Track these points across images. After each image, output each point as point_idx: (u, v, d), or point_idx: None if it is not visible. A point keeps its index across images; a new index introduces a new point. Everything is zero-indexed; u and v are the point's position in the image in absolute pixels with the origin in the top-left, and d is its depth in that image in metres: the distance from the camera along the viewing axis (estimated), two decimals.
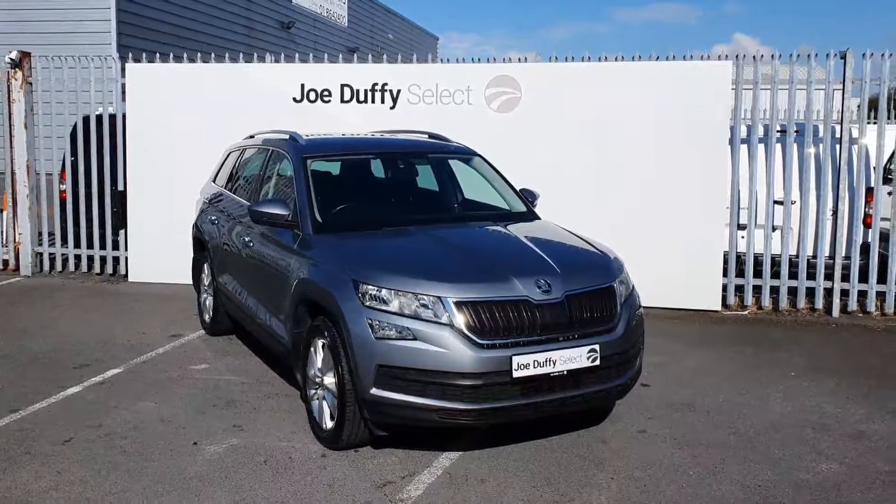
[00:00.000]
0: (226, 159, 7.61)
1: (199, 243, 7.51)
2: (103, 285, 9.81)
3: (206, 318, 7.47)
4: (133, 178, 9.73)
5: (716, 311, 8.50)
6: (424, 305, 4.44)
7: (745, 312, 8.57)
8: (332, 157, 6.14)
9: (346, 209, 5.67)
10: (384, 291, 4.52)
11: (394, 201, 6.03)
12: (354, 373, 4.51)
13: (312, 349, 5.02)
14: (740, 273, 8.68)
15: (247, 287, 6.26)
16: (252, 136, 7.32)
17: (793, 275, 8.56)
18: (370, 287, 4.56)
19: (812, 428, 5.26)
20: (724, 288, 8.60)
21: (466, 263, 4.81)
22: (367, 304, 4.53)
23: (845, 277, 8.44)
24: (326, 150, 6.18)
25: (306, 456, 4.80)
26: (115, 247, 10.09)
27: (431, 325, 4.39)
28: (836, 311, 8.41)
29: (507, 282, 4.54)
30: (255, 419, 5.41)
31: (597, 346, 4.57)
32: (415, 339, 4.38)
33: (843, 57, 8.28)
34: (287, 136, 6.26)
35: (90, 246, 10.19)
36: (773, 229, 8.63)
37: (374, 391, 4.46)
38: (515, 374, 4.36)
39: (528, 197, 6.20)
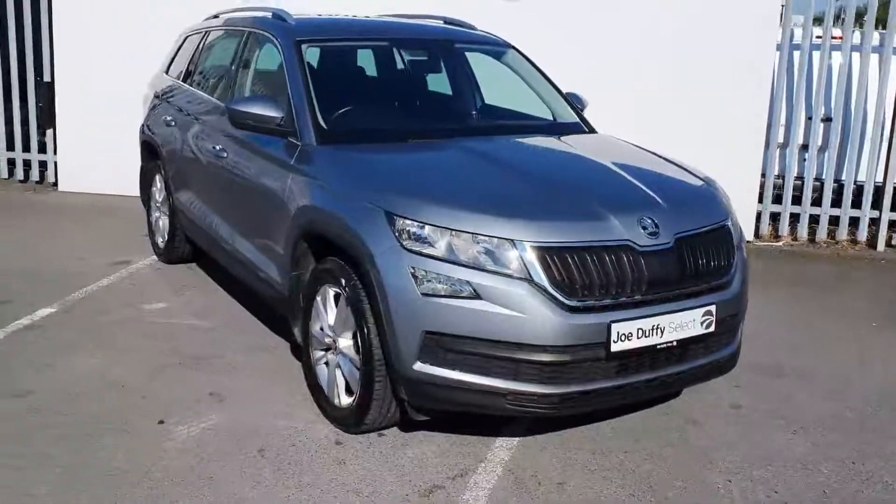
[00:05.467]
0: (181, 45, 6.09)
1: (151, 150, 6.06)
2: (28, 195, 8.24)
3: (160, 241, 6.09)
4: (62, 67, 8.07)
5: (748, 242, 7.45)
6: (490, 251, 3.20)
7: (780, 243, 7.55)
8: (334, 43, 4.69)
9: (358, 113, 4.31)
10: (431, 230, 3.25)
11: (418, 104, 4.67)
12: (390, 340, 3.28)
13: (319, 299, 3.76)
14: (776, 200, 7.63)
15: (218, 209, 4.90)
16: (216, 17, 5.82)
17: (833, 202, 7.54)
18: (411, 223, 3.28)
19: None
20: (758, 216, 7.56)
21: (541, 193, 3.54)
22: (408, 246, 3.27)
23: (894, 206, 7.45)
24: (326, 32, 4.74)
25: (316, 444, 3.60)
26: (42, 149, 8.48)
27: (501, 279, 3.16)
28: (881, 245, 7.44)
29: (601, 220, 3.31)
30: (237, 384, 4.17)
31: (713, 308, 3.42)
32: (477, 296, 3.15)
33: None
34: (270, 15, 4.82)
35: (10, 147, 8.56)
36: (820, 150, 7.57)
37: (417, 366, 3.25)
38: (614, 348, 3.19)
39: (576, 104, 4.92)
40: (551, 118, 4.80)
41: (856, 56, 7.48)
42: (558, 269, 3.16)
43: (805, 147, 7.74)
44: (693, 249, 3.41)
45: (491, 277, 3.16)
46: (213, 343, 4.68)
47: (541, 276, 3.14)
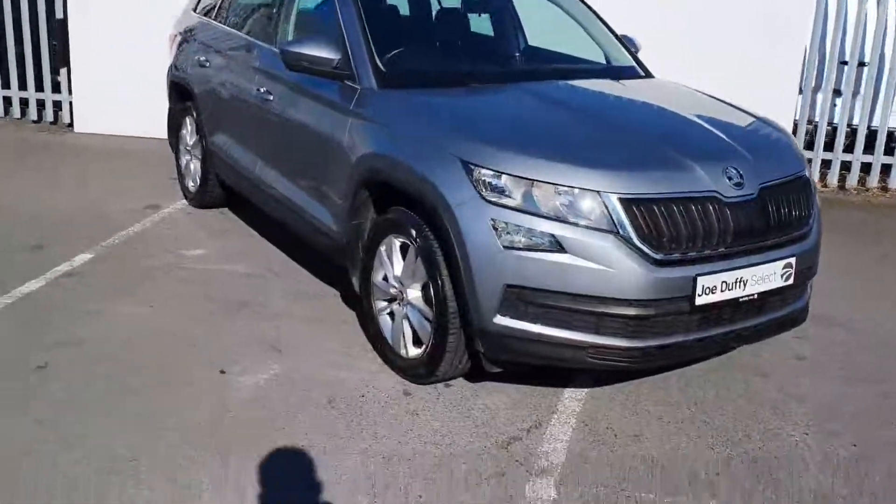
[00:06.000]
0: None
1: (181, 92, 5.88)
2: (44, 136, 8.04)
3: (191, 185, 5.96)
4: (75, 2, 7.80)
5: None
6: (574, 202, 3.11)
7: None
8: None
9: (415, 55, 4.17)
10: (511, 180, 3.15)
11: (474, 46, 4.52)
12: (468, 293, 3.21)
13: (383, 249, 3.68)
14: (807, 146, 7.54)
15: (262, 154, 4.76)
16: None
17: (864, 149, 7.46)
18: (490, 172, 3.19)
19: None
20: None
21: (622, 141, 3.45)
22: (488, 197, 3.17)
23: None
24: None
25: (385, 395, 3.55)
26: (56, 89, 8.25)
27: (586, 232, 3.08)
28: None
29: (686, 170, 3.22)
30: (289, 333, 4.10)
31: (793, 260, 3.36)
32: (561, 249, 3.08)
33: None
34: None
35: (22, 87, 8.31)
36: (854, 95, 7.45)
37: (497, 319, 3.18)
38: (698, 301, 3.14)
39: (630, 46, 4.78)
40: (605, 61, 4.66)
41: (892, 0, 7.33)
42: (645, 222, 3.08)
43: (838, 92, 7.62)
44: (776, 200, 3.34)
45: (575, 230, 3.08)
46: (258, 290, 4.60)
47: (627, 229, 3.06)
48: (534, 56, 4.78)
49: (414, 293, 3.54)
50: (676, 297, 3.11)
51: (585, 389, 3.64)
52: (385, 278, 3.72)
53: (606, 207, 3.07)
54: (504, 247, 3.11)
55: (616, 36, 4.73)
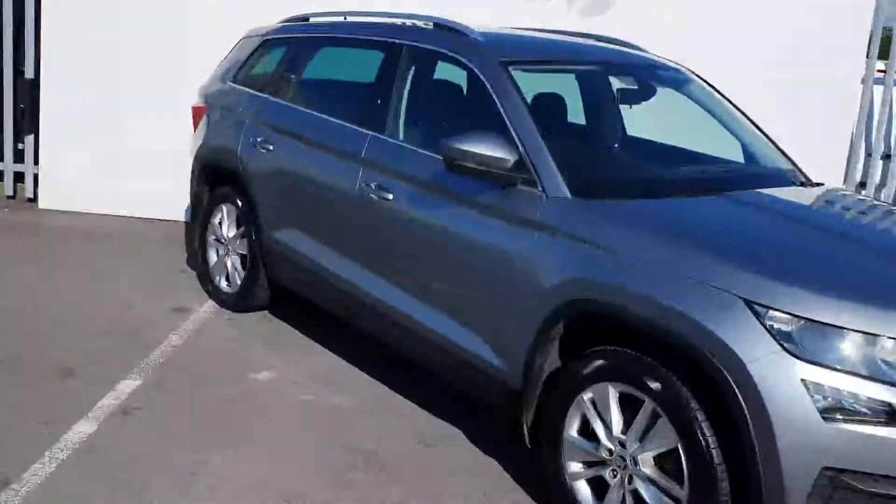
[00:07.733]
0: (255, 51, 5.05)
1: (219, 175, 4.98)
2: (4, 214, 6.86)
3: (224, 286, 5.03)
4: (50, 61, 6.76)
5: None
6: None
7: None
8: (543, 66, 3.82)
9: (595, 157, 3.51)
10: (820, 328, 2.51)
11: (641, 147, 3.87)
12: (766, 475, 2.50)
13: (587, 398, 2.96)
14: None
15: (373, 264, 3.88)
16: (305, 19, 4.88)
17: None
18: (788, 318, 2.54)
19: None
20: None
21: None
22: (793, 350, 2.52)
23: None
24: (529, 52, 3.84)
25: None
26: (19, 158, 7.10)
27: None
28: None
29: None
30: (446, 494, 3.28)
31: None
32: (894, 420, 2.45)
33: None
34: (433, 25, 3.93)
35: None
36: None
37: None
38: None
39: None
40: (770, 165, 4.08)
41: None
42: None
43: (863, 185, 7.45)
44: None
45: None
46: (378, 432, 3.71)
47: None
48: (699, 159, 4.09)
49: (647, 460, 2.83)
50: None
51: None
52: (586, 434, 3.00)
53: None
54: (823, 417, 2.46)
55: (769, 138, 4.19)
